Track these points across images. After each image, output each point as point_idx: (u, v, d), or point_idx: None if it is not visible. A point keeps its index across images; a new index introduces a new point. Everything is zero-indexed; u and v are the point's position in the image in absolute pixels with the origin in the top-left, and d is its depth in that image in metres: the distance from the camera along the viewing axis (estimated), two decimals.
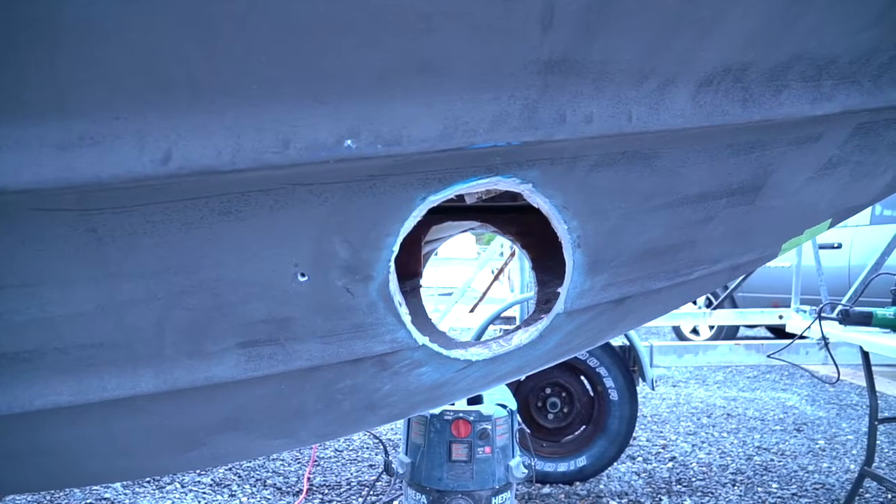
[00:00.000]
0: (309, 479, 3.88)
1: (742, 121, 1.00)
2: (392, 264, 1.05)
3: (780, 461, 4.08)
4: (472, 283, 6.86)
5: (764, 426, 4.85)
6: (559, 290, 1.30)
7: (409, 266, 1.92)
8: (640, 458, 4.19)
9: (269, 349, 1.16)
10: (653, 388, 3.80)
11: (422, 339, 1.25)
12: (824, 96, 1.05)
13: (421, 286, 1.89)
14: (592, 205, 1.06)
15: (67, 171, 0.77)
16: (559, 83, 0.86)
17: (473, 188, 0.96)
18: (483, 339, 4.56)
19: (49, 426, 1.23)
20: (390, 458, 3.08)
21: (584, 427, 3.81)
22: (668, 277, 1.34)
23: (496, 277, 6.79)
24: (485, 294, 6.79)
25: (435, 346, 1.30)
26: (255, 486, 3.82)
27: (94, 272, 0.97)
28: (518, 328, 1.44)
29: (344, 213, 0.92)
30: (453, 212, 1.87)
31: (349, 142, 0.80)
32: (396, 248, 1.02)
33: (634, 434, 4.52)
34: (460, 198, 1.55)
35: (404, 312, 1.19)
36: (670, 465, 4.05)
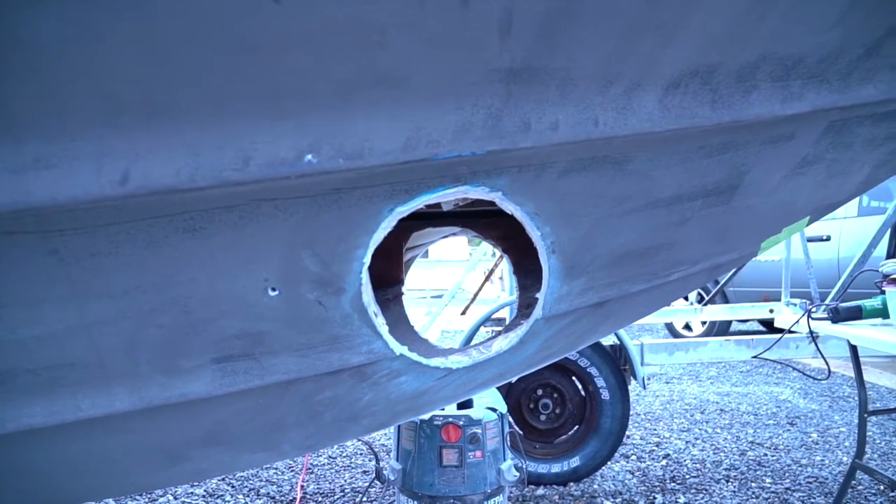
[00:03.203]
0: (302, 486, 3.87)
1: (712, 122, 1.00)
2: (364, 275, 1.04)
3: (773, 455, 4.09)
4: (463, 284, 6.85)
5: (757, 421, 4.86)
6: (538, 295, 1.29)
7: (391, 273, 1.91)
8: (633, 457, 4.19)
9: (244, 364, 1.15)
10: (644, 387, 3.80)
11: (399, 349, 1.24)
12: (794, 96, 1.04)
13: (403, 293, 1.88)
14: (564, 210, 1.05)
15: (24, 194, 0.76)
16: (522, 91, 0.85)
17: (442, 198, 0.95)
18: (474, 341, 4.56)
19: (25, 447, 1.21)
20: (382, 464, 3.07)
21: (576, 427, 3.81)
22: (646, 280, 1.33)
23: (487, 278, 6.78)
24: (476, 295, 6.78)
25: (413, 356, 1.29)
26: (248, 496, 3.80)
27: (60, 293, 0.96)
28: (499, 334, 1.44)
29: (311, 227, 0.91)
30: (434, 217, 1.87)
31: (310, 157, 0.79)
32: (367, 260, 1.02)
33: (628, 432, 4.53)
34: (437, 204, 1.54)
35: (380, 323, 1.19)
36: (664, 462, 4.05)
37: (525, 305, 1.64)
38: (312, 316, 1.08)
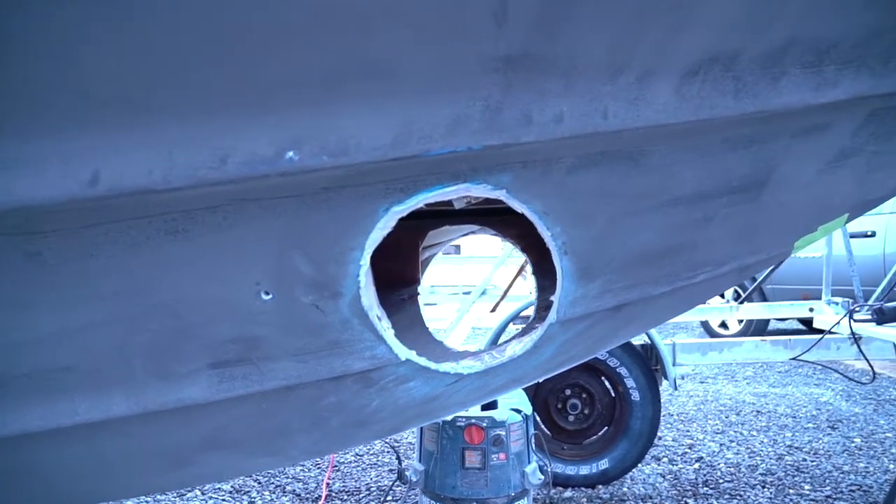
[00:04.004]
0: (328, 484, 3.86)
1: (735, 113, 0.92)
2: (363, 278, 0.99)
3: (812, 461, 3.93)
4: (492, 280, 6.77)
5: (796, 424, 4.69)
6: (553, 297, 1.23)
7: (407, 273, 1.86)
8: (665, 459, 4.08)
9: (241, 369, 1.11)
10: (675, 388, 3.69)
11: (405, 354, 1.19)
12: (828, 82, 0.95)
13: (419, 293, 1.82)
14: (575, 209, 0.98)
15: (3, 194, 0.73)
16: (523, 81, 0.78)
17: (441, 196, 0.89)
18: (502, 338, 4.49)
19: (26, 450, 1.20)
20: (404, 465, 3.03)
21: (605, 428, 3.73)
22: (668, 282, 1.25)
23: (518, 274, 6.69)
24: (506, 292, 6.71)
25: (422, 361, 1.24)
26: (274, 493, 3.80)
27: (48, 296, 0.93)
28: (512, 339, 1.38)
29: (301, 227, 0.86)
30: (451, 215, 1.81)
31: (291, 154, 0.74)
32: (365, 262, 0.96)
33: (660, 433, 4.42)
34: (450, 202, 1.48)
35: (384, 327, 1.13)
36: (697, 465, 3.94)
37: (543, 307, 1.57)
38: (310, 320, 1.04)
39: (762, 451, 4.15)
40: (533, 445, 2.98)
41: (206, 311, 0.98)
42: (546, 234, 1.04)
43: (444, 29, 0.72)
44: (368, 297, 1.06)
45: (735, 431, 4.58)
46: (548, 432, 3.74)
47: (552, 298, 1.23)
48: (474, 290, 6.59)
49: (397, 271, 1.84)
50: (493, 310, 6.87)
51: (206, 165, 0.72)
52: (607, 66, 0.82)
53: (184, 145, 0.72)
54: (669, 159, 0.97)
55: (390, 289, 1.85)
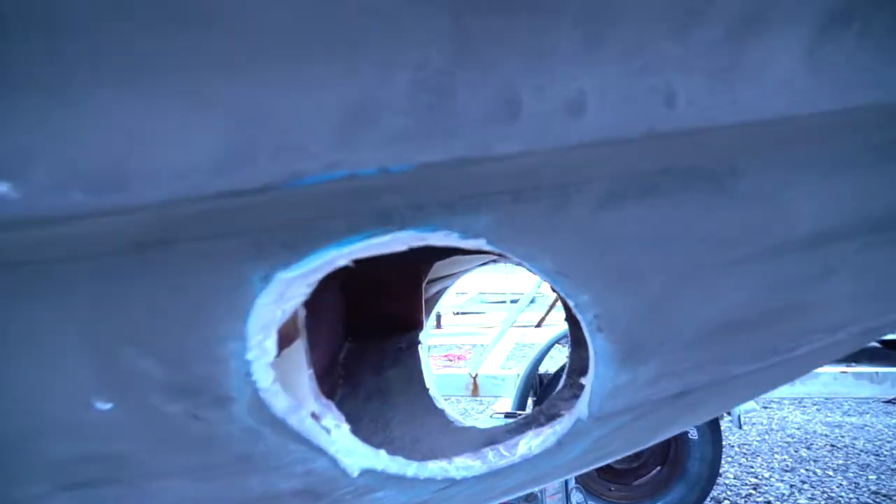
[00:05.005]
0: None
1: None
2: (265, 375, 0.61)
3: None
4: (540, 288, 6.39)
5: (880, 463, 4.12)
6: (583, 380, 0.84)
7: (407, 315, 1.48)
8: (727, 502, 3.59)
9: (111, 491, 0.75)
10: (740, 427, 3.22)
11: (361, 464, 0.81)
12: None
13: (420, 342, 1.43)
14: (614, 267, 0.59)
15: None
16: (495, 31, 0.38)
17: (364, 251, 0.50)
18: (544, 363, 4.07)
19: None
20: None
21: (658, 469, 3.33)
22: (759, 358, 0.84)
23: None
24: (553, 305, 6.35)
25: (392, 467, 0.86)
26: None
27: None
28: (527, 428, 0.98)
29: (117, 309, 0.49)
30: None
31: (5, 188, 0.36)
32: (264, 353, 0.58)
33: (720, 469, 3.94)
34: None
35: (326, 428, 0.76)
36: None
37: (578, 371, 1.18)
38: (193, 432, 0.67)
39: (842, 497, 3.61)
40: (573, 500, 2.58)
41: (21, 421, 0.62)
42: (570, 303, 0.64)
43: None
44: (289, 396, 0.68)
45: (807, 470, 4.04)
46: (593, 471, 3.35)
47: (583, 381, 0.84)
48: (521, 300, 6.23)
49: (395, 314, 1.46)
50: (538, 324, 6.49)
51: None
52: (672, 4, 0.41)
53: None
54: (776, 181, 0.56)
55: (386, 335, 1.48)
